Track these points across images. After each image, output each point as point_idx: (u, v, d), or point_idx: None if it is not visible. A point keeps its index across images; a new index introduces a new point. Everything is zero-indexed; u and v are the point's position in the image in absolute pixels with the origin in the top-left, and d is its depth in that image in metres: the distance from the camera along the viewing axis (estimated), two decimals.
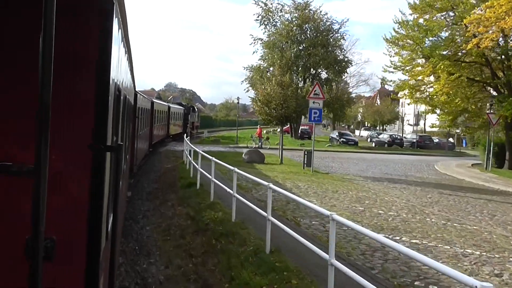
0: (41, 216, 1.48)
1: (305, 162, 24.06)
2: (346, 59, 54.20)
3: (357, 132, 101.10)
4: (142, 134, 20.48)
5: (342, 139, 51.08)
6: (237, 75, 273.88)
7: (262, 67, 54.27)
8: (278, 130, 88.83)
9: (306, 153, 24.15)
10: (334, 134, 55.35)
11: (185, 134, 31.06)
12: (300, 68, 52.99)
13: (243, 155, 27.07)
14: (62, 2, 1.71)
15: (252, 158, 26.44)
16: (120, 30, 3.64)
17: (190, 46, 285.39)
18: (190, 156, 19.83)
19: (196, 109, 56.75)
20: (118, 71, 3.68)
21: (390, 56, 31.80)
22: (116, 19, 3.08)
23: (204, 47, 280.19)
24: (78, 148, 2.67)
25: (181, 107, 47.88)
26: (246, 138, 52.20)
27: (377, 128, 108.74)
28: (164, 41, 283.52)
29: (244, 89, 56.48)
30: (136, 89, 15.24)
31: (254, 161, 26.26)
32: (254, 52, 56.41)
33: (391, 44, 31.01)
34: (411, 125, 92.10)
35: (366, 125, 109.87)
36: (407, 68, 30.75)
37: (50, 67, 1.47)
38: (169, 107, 38.33)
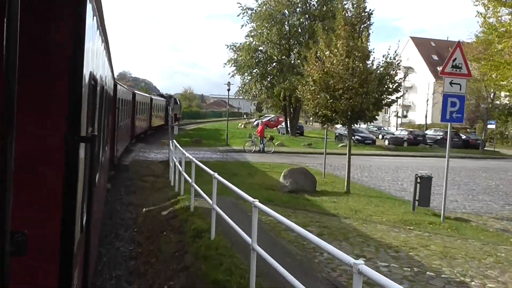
0: (7, 210, 1.48)
1: (418, 197, 12.80)
2: None
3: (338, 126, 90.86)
4: (123, 125, 19.01)
5: (356, 137, 40.16)
6: (189, 65, 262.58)
7: (252, 45, 42.52)
8: (254, 120, 74.94)
9: (420, 180, 12.85)
10: (343, 131, 44.27)
11: (171, 137, 19.44)
12: (302, 46, 41.58)
13: (281, 179, 15.42)
14: None
15: (298, 185, 14.92)
16: (95, 17, 3.42)
17: (142, 35, 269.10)
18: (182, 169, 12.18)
19: (178, 101, 52.07)
20: (93, 61, 3.46)
21: (484, 18, 20.92)
22: (90, 5, 2.91)
23: (156, 37, 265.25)
24: (51, 139, 2.55)
25: (163, 99, 45.23)
26: (236, 135, 40.52)
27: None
28: (115, 29, 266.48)
29: (229, 74, 44.72)
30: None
31: (302, 190, 14.80)
32: (242, 26, 44.64)
33: None
34: (399, 117, 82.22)
35: None
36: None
37: (15, 57, 1.45)
38: (151, 99, 35.72)
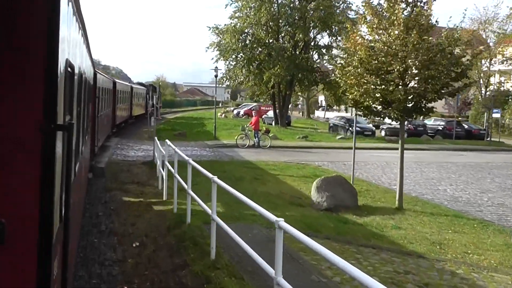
0: None
1: None
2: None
3: (317, 114, 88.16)
4: (104, 114, 18.46)
5: (349, 129, 36.45)
6: (159, 53, 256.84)
7: (237, 27, 38.28)
8: (233, 110, 70.49)
9: None
10: (338, 121, 40.67)
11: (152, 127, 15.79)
12: (293, 28, 37.70)
13: (313, 192, 11.61)
14: None
15: (337, 200, 11.19)
16: (70, 3, 3.37)
17: (111, 22, 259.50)
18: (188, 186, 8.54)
19: (158, 90, 50.35)
20: (69, 48, 3.40)
21: None
22: None
23: (126, 24, 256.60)
24: (27, 127, 2.48)
25: (143, 88, 44.79)
26: (219, 126, 36.43)
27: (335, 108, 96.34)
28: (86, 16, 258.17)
29: (212, 59, 40.46)
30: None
31: (342, 206, 11.10)
32: (226, 6, 40.45)
33: None
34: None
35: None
36: None
37: None
38: (131, 88, 35.01)
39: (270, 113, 53.02)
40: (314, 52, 39.99)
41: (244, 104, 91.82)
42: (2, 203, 2.33)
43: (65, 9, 2.93)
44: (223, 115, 63.33)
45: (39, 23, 2.45)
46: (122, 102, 29.49)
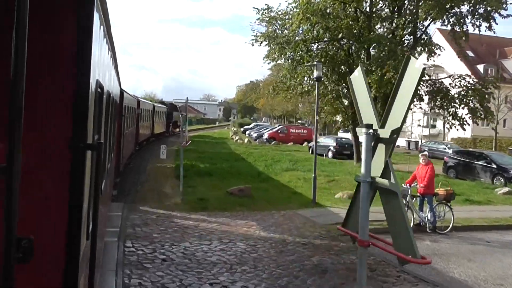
0: (13, 215, 1.44)
1: None
2: None
3: (323, 139, 73.16)
4: (128, 132, 18.72)
5: (502, 174, 21.41)
6: (138, 68, 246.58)
7: (313, 6, 23.43)
8: (244, 131, 53.78)
9: None
10: (470, 158, 25.09)
11: None
12: (409, 12, 23.39)
13: None
14: None
15: None
16: (102, 26, 3.49)
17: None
18: None
19: (178, 108, 47.93)
20: (100, 68, 3.52)
21: None
22: (97, 14, 2.95)
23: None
24: (57, 146, 2.52)
25: (164, 106, 45.84)
26: (253, 156, 21.56)
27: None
28: None
29: (264, 58, 25.75)
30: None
31: None
32: None
33: None
34: (425, 127, 64.12)
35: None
36: None
37: (23, 64, 1.42)
38: (153, 106, 36.30)
39: (319, 139, 37.81)
40: (423, 49, 25.53)
41: (256, 124, 76.27)
42: (31, 219, 2.28)
43: (97, 31, 2.96)
44: (245, 140, 47.60)
45: (72, 45, 2.48)
46: (145, 121, 28.91)
